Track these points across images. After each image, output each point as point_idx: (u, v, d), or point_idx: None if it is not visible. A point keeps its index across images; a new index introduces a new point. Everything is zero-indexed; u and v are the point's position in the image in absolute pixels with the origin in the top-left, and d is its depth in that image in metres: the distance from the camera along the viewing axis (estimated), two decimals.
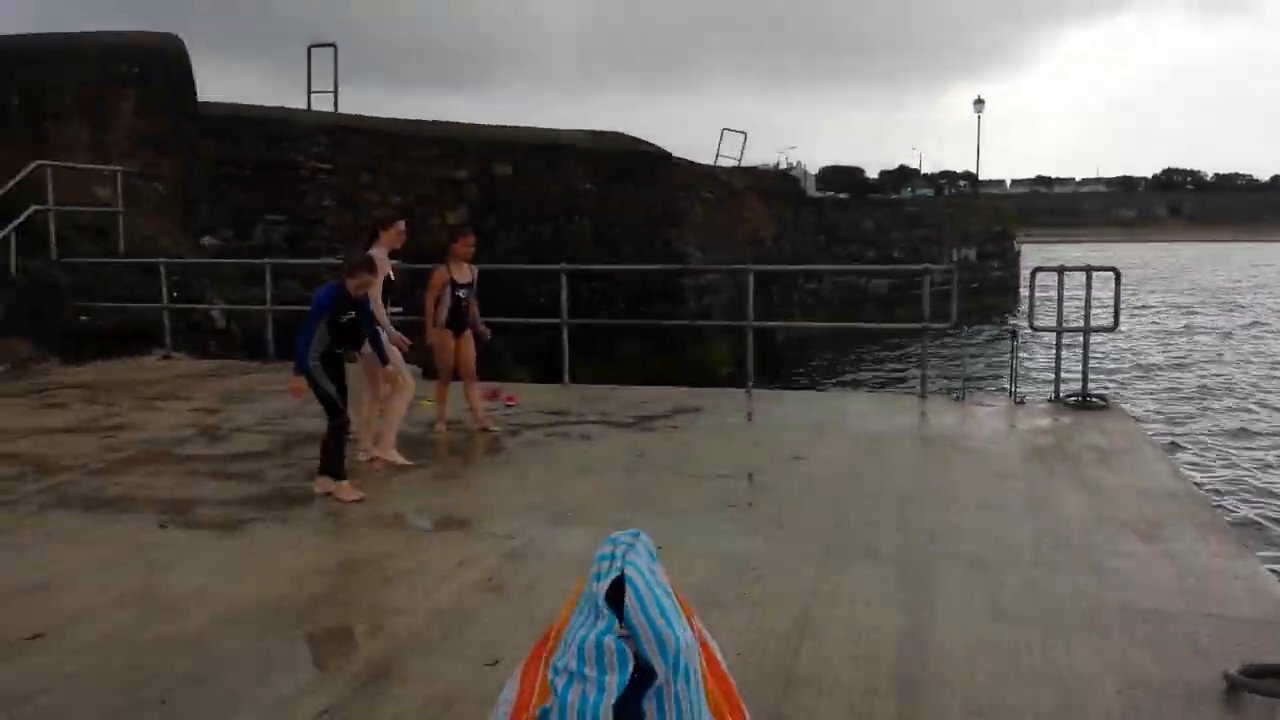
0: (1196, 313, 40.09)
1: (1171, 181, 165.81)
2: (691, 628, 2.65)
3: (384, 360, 7.04)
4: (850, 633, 4.30)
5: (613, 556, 2.57)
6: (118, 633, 4.38)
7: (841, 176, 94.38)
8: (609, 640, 2.36)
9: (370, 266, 6.69)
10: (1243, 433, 17.48)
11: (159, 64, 16.83)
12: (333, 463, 6.58)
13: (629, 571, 2.52)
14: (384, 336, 7.20)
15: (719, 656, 2.80)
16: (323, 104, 23.98)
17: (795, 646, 4.16)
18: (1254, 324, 35.68)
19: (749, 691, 2.89)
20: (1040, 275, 10.36)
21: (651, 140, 24.11)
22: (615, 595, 2.48)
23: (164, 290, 12.98)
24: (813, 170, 72.98)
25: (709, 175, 27.16)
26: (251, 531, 5.89)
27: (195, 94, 17.63)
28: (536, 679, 2.49)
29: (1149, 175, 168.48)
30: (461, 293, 8.23)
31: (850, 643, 4.20)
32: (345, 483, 6.55)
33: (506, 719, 2.57)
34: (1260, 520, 11.97)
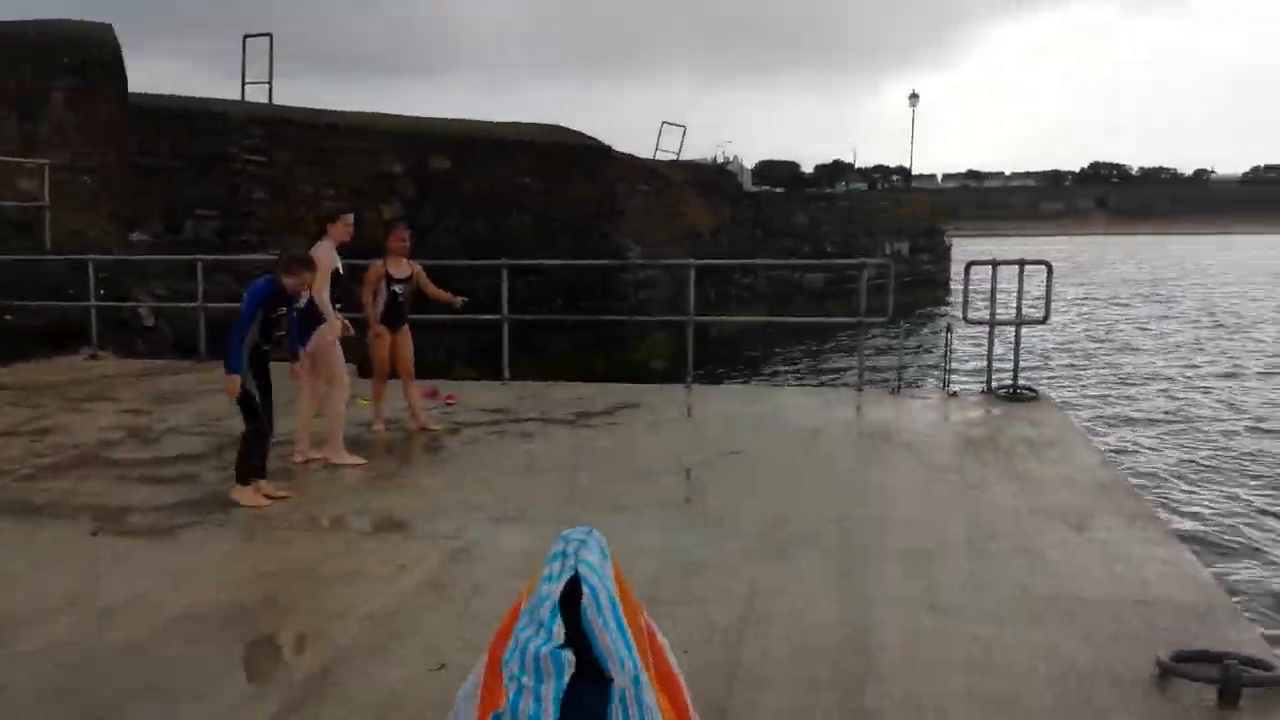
0: (1119, 304, 41.11)
1: (1098, 175, 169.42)
2: (640, 624, 2.69)
3: (302, 344, 6.96)
4: (791, 626, 4.36)
5: (564, 554, 2.60)
6: (51, 644, 4.28)
7: (778, 170, 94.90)
8: (546, 650, 2.43)
9: (310, 264, 6.56)
10: (1164, 420, 17.98)
11: (90, 54, 16.43)
12: (241, 465, 6.39)
13: (582, 570, 2.55)
14: (321, 328, 7.14)
15: (668, 654, 2.83)
16: (258, 95, 23.60)
17: (738, 641, 4.21)
18: (1173, 315, 36.66)
19: (694, 686, 2.92)
20: (970, 269, 10.57)
21: (591, 134, 24.15)
22: (570, 592, 2.52)
23: (92, 287, 12.67)
24: (749, 164, 73.48)
25: (648, 169, 27.19)
26: (186, 536, 5.78)
27: (126, 85, 17.24)
28: (500, 674, 2.53)
29: (1077, 169, 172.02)
30: (398, 288, 8.14)
31: (792, 637, 4.26)
32: (248, 487, 6.36)
33: (475, 697, 2.63)
34: (1185, 506, 12.33)
